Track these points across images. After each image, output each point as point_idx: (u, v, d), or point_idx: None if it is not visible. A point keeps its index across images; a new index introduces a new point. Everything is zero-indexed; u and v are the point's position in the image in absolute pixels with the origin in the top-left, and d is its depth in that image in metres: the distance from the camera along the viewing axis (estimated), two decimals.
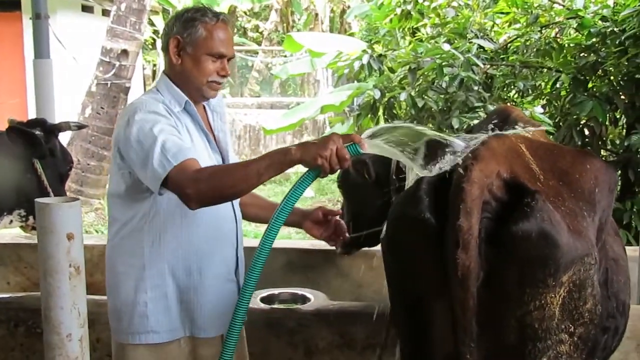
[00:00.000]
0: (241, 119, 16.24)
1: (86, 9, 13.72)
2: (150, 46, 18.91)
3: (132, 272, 2.73)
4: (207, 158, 2.72)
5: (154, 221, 2.69)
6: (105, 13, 13.44)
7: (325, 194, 13.16)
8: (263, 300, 3.84)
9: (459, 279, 1.97)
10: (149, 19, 12.35)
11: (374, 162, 3.37)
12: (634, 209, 5.61)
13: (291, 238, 9.68)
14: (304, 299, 3.89)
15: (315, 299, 3.88)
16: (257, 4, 19.13)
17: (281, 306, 3.85)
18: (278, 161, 2.41)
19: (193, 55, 2.70)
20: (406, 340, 2.33)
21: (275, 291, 3.94)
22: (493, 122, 3.02)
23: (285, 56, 17.43)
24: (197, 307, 2.78)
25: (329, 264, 4.67)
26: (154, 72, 19.65)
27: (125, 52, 9.85)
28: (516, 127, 2.63)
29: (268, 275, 3.61)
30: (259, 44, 23.86)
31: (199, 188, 2.43)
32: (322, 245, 5.34)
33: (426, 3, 6.83)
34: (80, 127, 4.61)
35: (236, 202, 2.89)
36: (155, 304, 2.73)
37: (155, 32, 18.21)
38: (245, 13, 24.59)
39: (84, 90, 10.04)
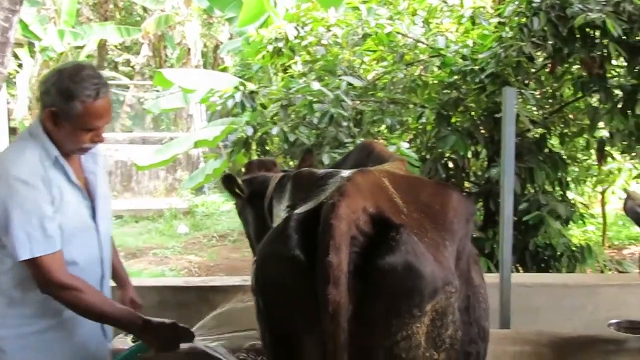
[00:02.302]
0: (112, 154, 15.87)
1: None
2: (14, 79, 18.11)
3: None
4: (76, 208, 2.80)
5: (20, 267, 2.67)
6: None
7: (200, 230, 13.03)
8: (134, 341, 3.75)
9: (330, 315, 2.00)
10: (13, 51, 11.86)
11: (253, 181, 3.36)
12: (495, 238, 5.88)
13: (165, 275, 9.52)
14: None
15: None
16: (127, 37, 18.80)
17: None
18: (124, 326, 2.88)
19: (68, 128, 2.70)
20: None
21: None
22: (358, 156, 3.13)
23: (157, 91, 17.16)
24: (59, 345, 2.79)
25: (203, 301, 4.62)
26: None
27: None
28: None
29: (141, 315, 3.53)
30: (131, 78, 23.38)
31: (58, 295, 2.65)
32: (196, 282, 5.32)
33: (297, 41, 6.95)
34: None
35: (106, 245, 2.99)
36: (14, 342, 2.72)
37: (20, 65, 17.53)
38: (115, 47, 24.08)
39: None
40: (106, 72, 21.54)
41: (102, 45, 21.84)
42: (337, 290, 2.00)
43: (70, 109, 2.65)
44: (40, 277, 2.62)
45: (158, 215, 13.95)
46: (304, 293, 2.09)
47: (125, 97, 21.92)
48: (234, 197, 3.44)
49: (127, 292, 3.29)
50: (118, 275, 3.30)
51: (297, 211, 2.22)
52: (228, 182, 3.33)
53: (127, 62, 24.70)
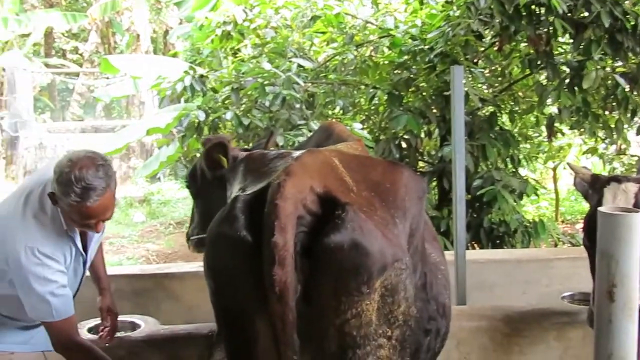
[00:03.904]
0: (63, 144, 15.55)
1: None
2: None
3: None
4: (74, 268, 3.12)
5: None
6: None
7: (157, 217, 12.89)
8: (90, 330, 3.72)
9: (277, 295, 1.99)
10: None
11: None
12: (450, 216, 5.91)
13: (122, 264, 9.39)
14: (134, 326, 3.81)
15: (146, 324, 3.81)
16: (73, 24, 18.40)
17: None
18: None
19: (65, 212, 2.89)
20: (231, 356, 2.34)
21: None
22: (319, 137, 3.13)
23: (107, 78, 16.85)
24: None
25: (159, 289, 4.60)
26: None
27: None
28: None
29: (95, 305, 3.51)
30: (80, 65, 22.93)
31: (69, 354, 3.03)
32: (151, 270, 5.27)
33: (246, 24, 6.87)
34: None
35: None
36: None
37: None
38: (63, 34, 23.59)
39: None
40: (54, 60, 21.11)
41: (48, 33, 21.36)
42: (282, 270, 1.99)
43: (63, 201, 2.80)
44: (57, 337, 2.99)
45: None
46: (252, 274, 2.08)
47: (74, 86, 21.51)
48: (211, 168, 3.21)
49: (105, 300, 3.51)
50: (100, 282, 3.55)
51: (245, 192, 2.21)
52: (217, 149, 3.11)
53: (76, 50, 24.24)
